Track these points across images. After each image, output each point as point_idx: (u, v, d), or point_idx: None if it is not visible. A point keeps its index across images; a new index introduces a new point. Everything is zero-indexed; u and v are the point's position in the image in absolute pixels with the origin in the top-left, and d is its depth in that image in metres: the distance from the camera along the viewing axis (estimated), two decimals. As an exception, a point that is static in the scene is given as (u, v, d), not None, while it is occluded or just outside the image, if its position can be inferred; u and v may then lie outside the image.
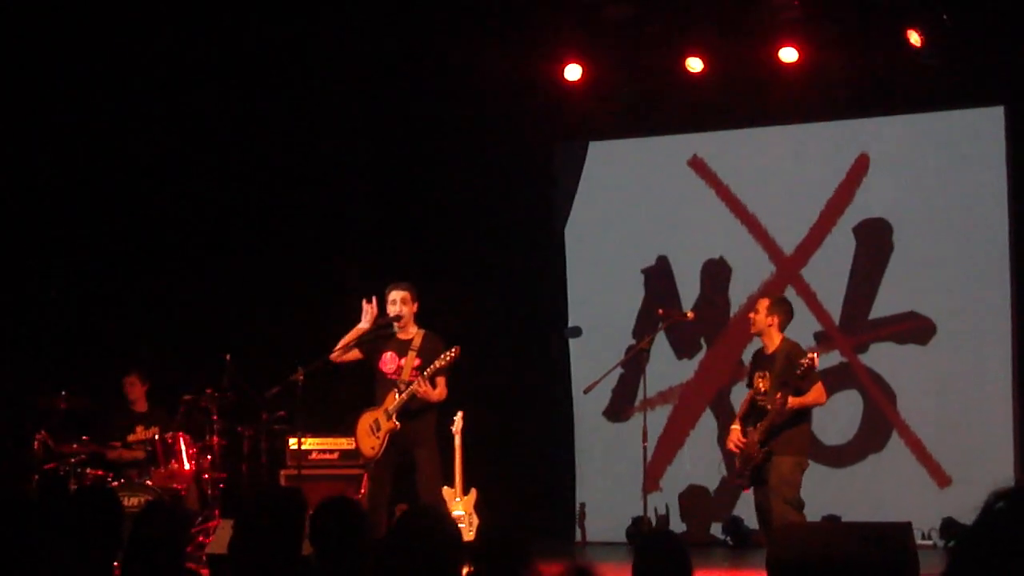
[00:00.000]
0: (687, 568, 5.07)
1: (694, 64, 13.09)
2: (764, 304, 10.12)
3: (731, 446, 10.09)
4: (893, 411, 12.99)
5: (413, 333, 10.35)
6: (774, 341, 10.00)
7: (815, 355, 9.76)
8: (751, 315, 10.22)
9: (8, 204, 13.33)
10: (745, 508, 12.44)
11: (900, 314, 13.04)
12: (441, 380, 10.18)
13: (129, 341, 13.51)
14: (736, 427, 10.12)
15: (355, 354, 10.42)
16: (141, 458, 12.30)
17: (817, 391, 9.83)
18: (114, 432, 12.57)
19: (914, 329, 12.96)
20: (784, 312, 10.12)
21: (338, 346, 10.38)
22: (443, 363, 10.07)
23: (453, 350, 10.09)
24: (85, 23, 13.02)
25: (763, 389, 9.88)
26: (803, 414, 9.87)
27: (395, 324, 10.31)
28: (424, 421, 10.22)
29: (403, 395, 10.07)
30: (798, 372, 9.62)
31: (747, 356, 10.73)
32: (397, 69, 13.80)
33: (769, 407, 9.77)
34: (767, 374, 9.89)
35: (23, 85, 13.08)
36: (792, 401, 9.64)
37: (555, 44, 13.39)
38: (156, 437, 12.14)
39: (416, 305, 10.37)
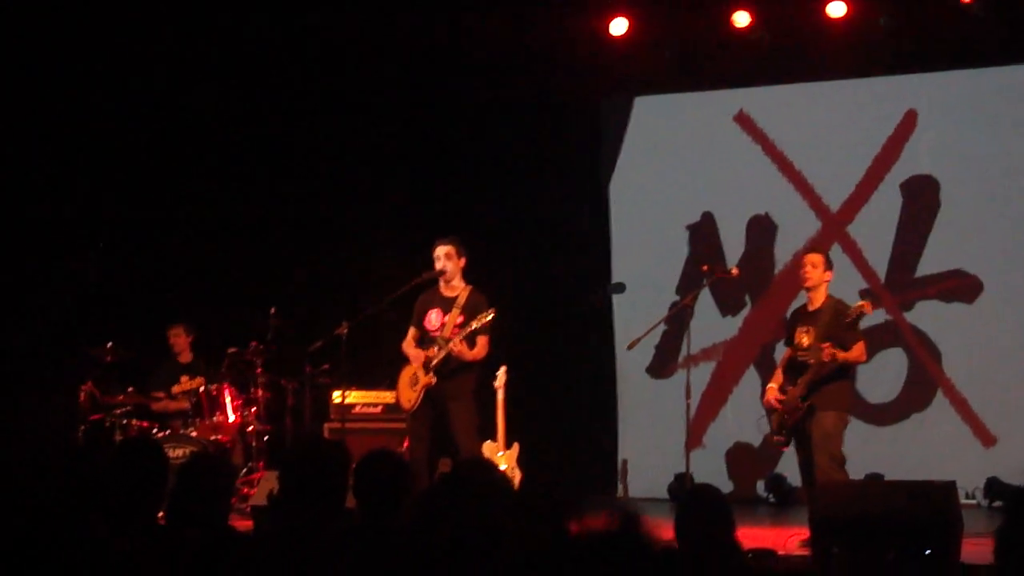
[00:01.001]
0: (730, 523, 5.06)
1: (741, 18, 13.00)
2: (819, 259, 10.01)
3: (771, 405, 10.02)
4: (938, 370, 12.92)
5: (459, 290, 10.38)
6: (821, 297, 9.93)
7: (868, 303, 9.75)
8: (806, 270, 10.02)
9: (56, 155, 13.39)
10: (787, 466, 12.41)
11: (946, 272, 12.95)
12: (482, 339, 10.21)
13: (175, 293, 13.58)
14: (772, 385, 10.05)
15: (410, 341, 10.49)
16: (186, 408, 12.38)
17: (859, 348, 9.78)
18: (159, 383, 12.66)
19: (960, 287, 12.88)
20: (832, 268, 10.10)
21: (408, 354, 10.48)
22: (480, 324, 10.09)
23: (490, 312, 10.12)
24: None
25: (806, 344, 9.81)
26: (846, 369, 9.82)
27: (440, 279, 10.34)
28: (461, 377, 10.26)
29: (441, 352, 10.11)
30: (847, 320, 9.59)
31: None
32: (442, 24, 13.75)
33: (811, 361, 9.71)
34: (811, 329, 9.82)
35: (65, 32, 13.12)
36: (839, 356, 9.59)
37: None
38: (201, 388, 12.22)
39: (463, 261, 10.39)
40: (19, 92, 13.11)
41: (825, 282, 9.95)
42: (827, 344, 9.59)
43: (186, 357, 12.87)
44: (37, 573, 4.56)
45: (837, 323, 9.71)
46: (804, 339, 9.85)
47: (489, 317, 10.09)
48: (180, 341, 12.89)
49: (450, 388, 10.19)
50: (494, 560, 3.69)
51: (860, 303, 9.71)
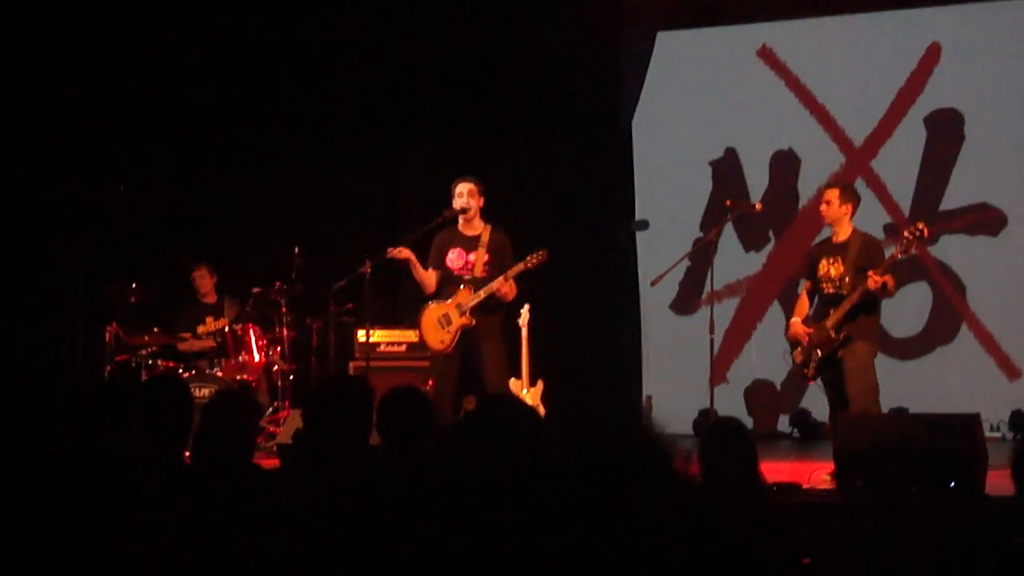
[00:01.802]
0: (754, 456, 5.07)
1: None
2: (835, 193, 9.95)
3: (799, 338, 9.98)
4: (963, 303, 12.90)
5: (480, 228, 10.32)
6: (846, 230, 9.87)
7: (925, 224, 9.72)
8: (822, 207, 9.99)
9: (78, 96, 13.39)
10: (811, 401, 12.44)
11: (971, 205, 12.91)
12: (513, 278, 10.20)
13: (199, 233, 13.61)
14: (797, 319, 10.03)
15: (432, 276, 10.42)
16: (211, 347, 12.44)
17: (892, 281, 9.73)
18: (184, 324, 12.70)
19: (985, 220, 12.84)
20: (855, 199, 9.99)
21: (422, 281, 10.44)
22: (529, 265, 10.07)
23: (540, 253, 10.08)
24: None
25: (835, 275, 9.78)
26: (877, 302, 9.79)
27: (460, 217, 10.30)
28: (492, 316, 10.25)
29: (481, 293, 10.08)
30: (908, 236, 9.54)
31: (816, 249, 10.62)
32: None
33: (844, 292, 9.69)
34: (839, 260, 9.77)
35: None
36: (880, 281, 9.51)
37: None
38: (226, 328, 12.27)
39: (483, 200, 10.34)
40: (47, 36, 13.12)
41: (845, 215, 9.88)
42: (872, 273, 9.52)
43: (211, 298, 12.91)
44: (64, 513, 4.59)
45: (867, 255, 9.67)
46: (832, 271, 9.81)
47: (539, 258, 10.07)
48: (205, 282, 12.92)
49: (482, 328, 10.17)
50: (520, 493, 3.70)
51: (918, 224, 9.68)
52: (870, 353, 9.72)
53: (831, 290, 9.80)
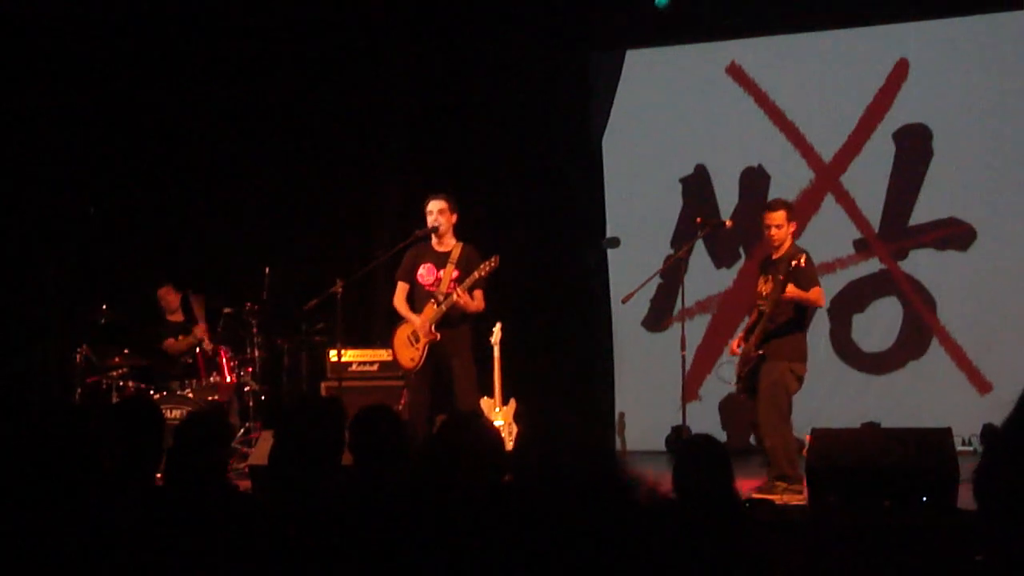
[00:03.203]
0: (729, 473, 5.07)
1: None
2: (782, 216, 9.92)
3: (732, 351, 10.06)
4: (933, 317, 12.94)
5: (451, 245, 10.33)
6: (785, 246, 9.90)
7: (803, 258, 9.66)
8: (773, 232, 9.96)
9: (47, 117, 13.35)
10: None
11: (940, 220, 12.96)
12: (479, 293, 10.18)
13: (170, 254, 13.58)
14: (741, 334, 10.09)
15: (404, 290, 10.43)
16: (187, 362, 12.43)
17: (817, 292, 9.73)
18: (151, 343, 12.66)
19: (954, 235, 12.89)
20: (796, 217, 10.07)
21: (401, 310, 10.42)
22: (482, 273, 10.06)
23: (492, 260, 10.07)
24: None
25: (764, 293, 9.80)
26: (799, 321, 9.78)
27: (432, 235, 10.30)
28: (460, 332, 10.23)
29: (442, 306, 10.08)
30: (791, 266, 9.54)
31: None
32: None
33: (767, 310, 9.71)
34: (770, 278, 9.80)
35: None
36: (791, 291, 9.53)
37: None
38: (196, 349, 12.27)
39: (455, 217, 10.33)
40: (15, 59, 13.09)
41: (789, 234, 9.92)
42: (789, 285, 9.55)
43: (177, 316, 12.89)
44: (36, 536, 4.57)
45: (793, 274, 9.63)
46: (764, 289, 9.84)
47: (492, 264, 10.04)
48: (171, 299, 12.90)
49: (451, 344, 10.15)
50: (486, 512, 3.70)
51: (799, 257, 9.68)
52: (785, 372, 9.70)
53: (760, 307, 9.87)
